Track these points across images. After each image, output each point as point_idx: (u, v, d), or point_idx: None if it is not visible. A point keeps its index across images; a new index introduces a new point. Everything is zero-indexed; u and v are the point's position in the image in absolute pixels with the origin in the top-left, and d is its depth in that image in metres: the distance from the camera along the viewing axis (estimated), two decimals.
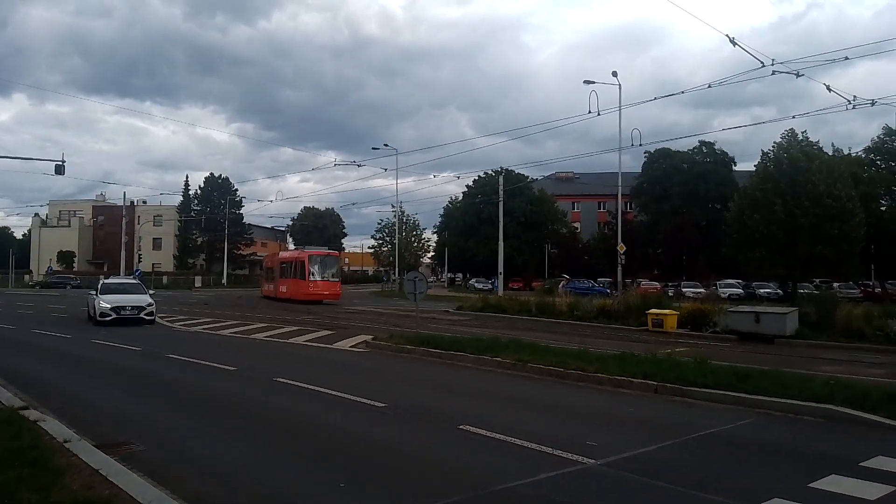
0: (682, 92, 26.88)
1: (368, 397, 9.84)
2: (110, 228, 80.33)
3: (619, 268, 33.40)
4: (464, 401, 10.26)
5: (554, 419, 8.99)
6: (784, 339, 19.70)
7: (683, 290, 50.27)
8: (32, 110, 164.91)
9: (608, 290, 47.12)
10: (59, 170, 30.44)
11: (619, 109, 32.54)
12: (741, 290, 49.85)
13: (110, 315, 22.70)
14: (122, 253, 63.05)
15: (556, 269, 71.99)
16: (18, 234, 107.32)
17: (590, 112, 27.74)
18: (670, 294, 44.58)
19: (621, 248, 33.74)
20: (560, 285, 48.95)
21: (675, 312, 23.34)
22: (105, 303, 23.09)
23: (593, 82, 30.87)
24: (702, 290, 49.20)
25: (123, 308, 23.16)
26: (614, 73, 33.89)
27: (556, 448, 7.03)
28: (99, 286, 25.11)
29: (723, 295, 43.52)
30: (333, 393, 10.32)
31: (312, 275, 39.76)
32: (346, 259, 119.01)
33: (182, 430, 8.20)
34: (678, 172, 71.56)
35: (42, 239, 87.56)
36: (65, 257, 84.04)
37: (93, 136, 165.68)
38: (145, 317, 23.39)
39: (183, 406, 9.77)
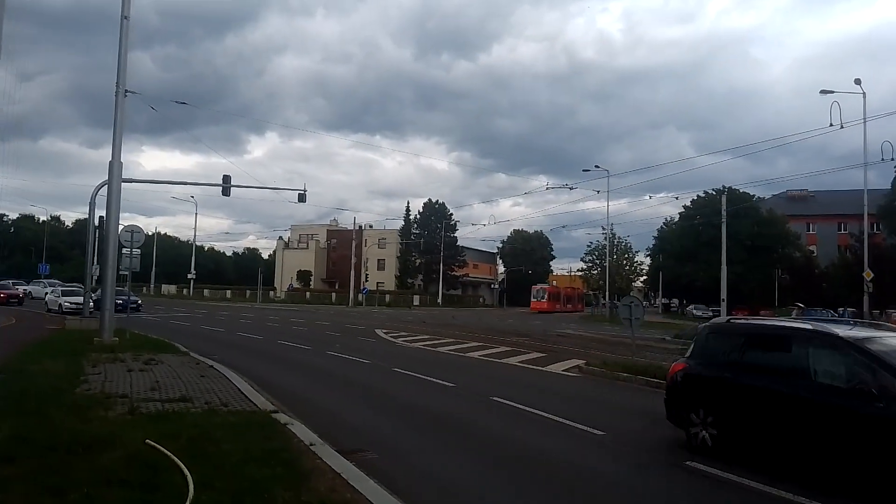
0: None
1: (585, 424, 9.71)
2: (342, 251, 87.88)
3: (866, 297, 29.89)
4: None
5: None
6: None
7: None
8: (282, 146, 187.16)
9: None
10: (302, 198, 33.95)
11: (864, 121, 29.34)
12: None
13: None
14: (352, 273, 68.67)
15: (788, 297, 65.55)
16: (265, 255, 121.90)
17: (831, 125, 25.35)
18: None
19: (868, 274, 30.23)
20: (793, 315, 44.70)
21: None
22: None
23: (832, 92, 28.20)
24: None
25: None
26: (857, 81, 30.70)
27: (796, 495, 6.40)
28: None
29: None
30: (550, 417, 10.31)
31: (533, 297, 79.34)
32: (554, 282, 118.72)
33: (407, 442, 8.66)
34: None
35: (285, 260, 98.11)
36: (303, 276, 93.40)
37: (331, 168, 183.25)
38: None
39: (407, 418, 10.31)
